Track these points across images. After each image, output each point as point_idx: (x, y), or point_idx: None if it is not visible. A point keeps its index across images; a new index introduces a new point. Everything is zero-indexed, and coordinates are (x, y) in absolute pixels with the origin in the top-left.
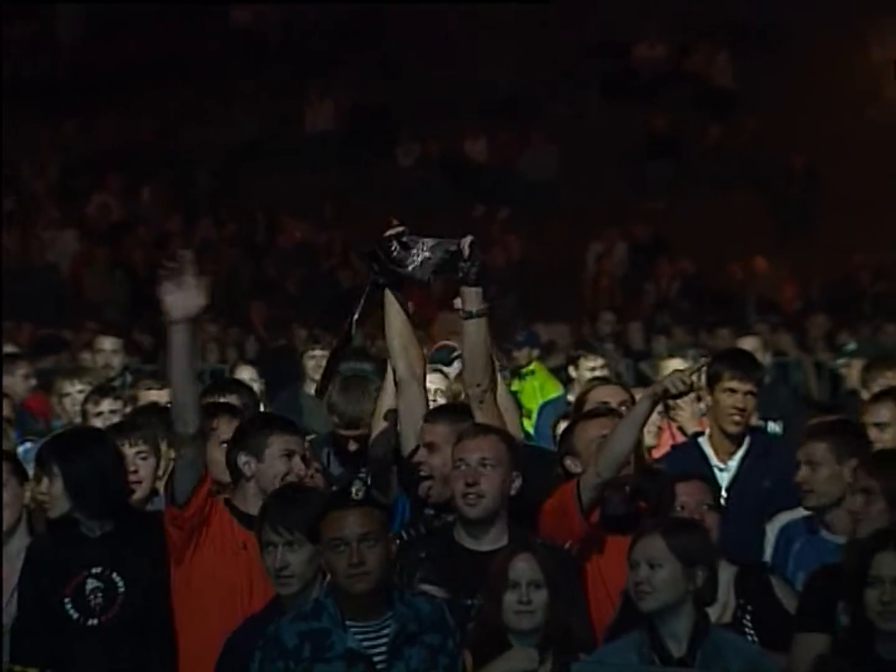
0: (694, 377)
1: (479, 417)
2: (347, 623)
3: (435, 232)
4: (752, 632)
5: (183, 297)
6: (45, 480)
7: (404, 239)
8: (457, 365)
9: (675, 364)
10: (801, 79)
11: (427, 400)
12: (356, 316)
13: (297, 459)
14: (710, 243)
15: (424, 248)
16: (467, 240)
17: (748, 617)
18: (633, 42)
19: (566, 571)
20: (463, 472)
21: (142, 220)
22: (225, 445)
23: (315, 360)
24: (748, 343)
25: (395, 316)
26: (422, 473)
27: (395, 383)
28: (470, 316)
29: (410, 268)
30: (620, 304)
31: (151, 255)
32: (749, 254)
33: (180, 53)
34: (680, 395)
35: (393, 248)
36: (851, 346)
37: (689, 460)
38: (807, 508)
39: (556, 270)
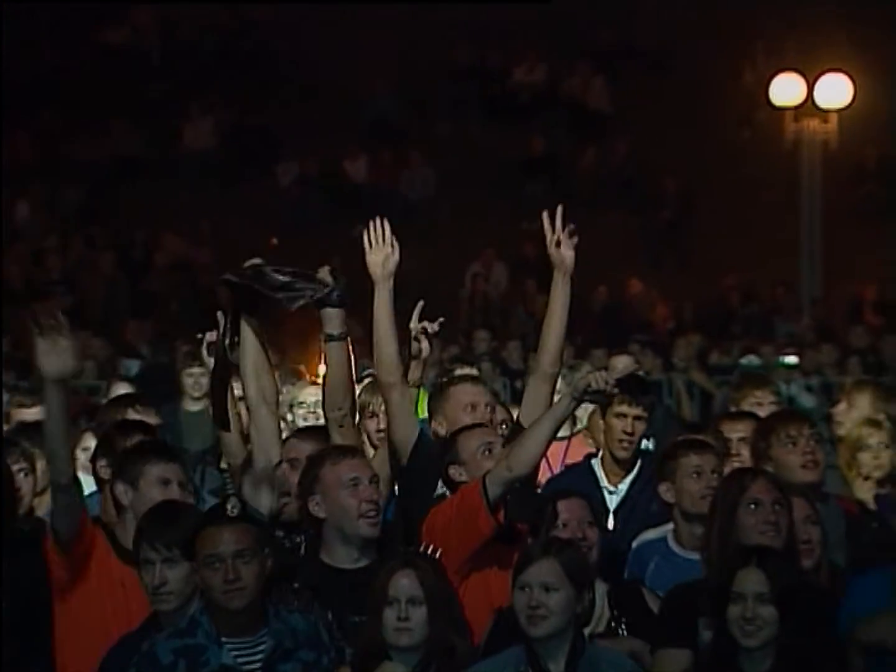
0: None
1: (339, 440)
2: (223, 639)
3: (314, 251)
4: None
5: (57, 359)
6: None
7: (263, 269)
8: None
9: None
10: (676, 102)
11: (278, 423)
12: (226, 340)
13: (173, 487)
14: (585, 264)
15: (285, 278)
16: (325, 269)
17: (623, 628)
18: (511, 65)
19: (448, 587)
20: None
21: (19, 237)
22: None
23: (193, 378)
24: (621, 362)
25: (249, 342)
26: (282, 489)
27: (247, 407)
28: (331, 338)
29: (279, 295)
30: (497, 323)
31: (29, 271)
32: (623, 275)
33: (58, 70)
34: (601, 395)
35: (253, 277)
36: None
37: (580, 482)
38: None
39: (435, 290)
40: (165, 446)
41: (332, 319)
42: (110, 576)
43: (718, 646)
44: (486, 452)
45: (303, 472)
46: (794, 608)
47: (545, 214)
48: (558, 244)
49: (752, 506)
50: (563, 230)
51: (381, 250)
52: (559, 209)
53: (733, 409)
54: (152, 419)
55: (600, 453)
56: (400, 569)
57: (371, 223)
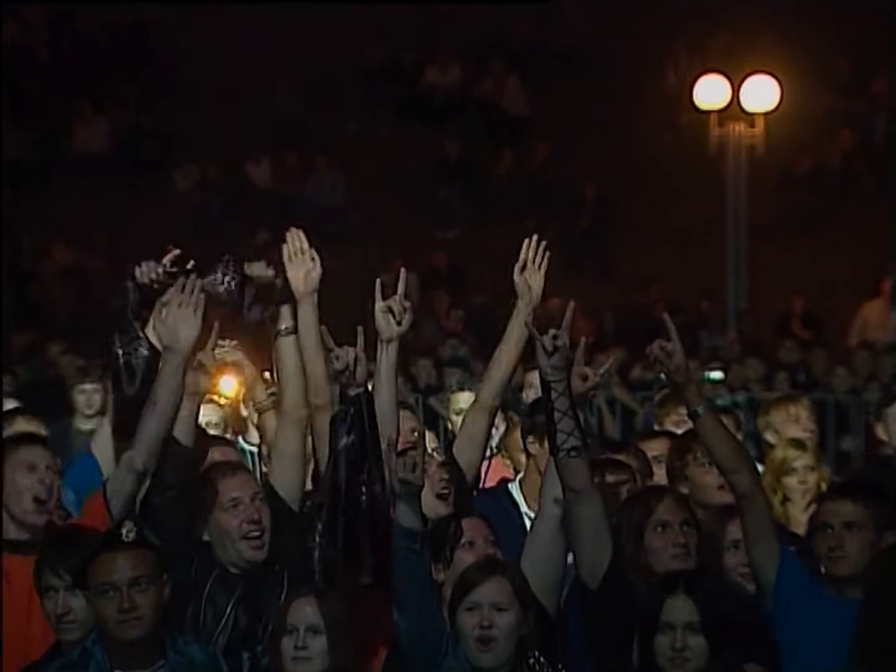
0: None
1: (295, 444)
2: None
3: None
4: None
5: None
6: None
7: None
8: None
9: (466, 398)
10: (596, 105)
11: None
12: (119, 350)
13: (40, 469)
14: (502, 274)
15: (225, 274)
16: (261, 264)
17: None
18: (424, 65)
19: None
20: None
21: None
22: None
23: (86, 395)
24: (536, 378)
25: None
26: None
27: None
28: (282, 334)
29: (222, 289)
30: (408, 337)
31: None
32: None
33: None
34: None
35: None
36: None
37: (497, 506)
38: None
39: (343, 302)
40: (31, 434)
41: (285, 314)
42: None
43: None
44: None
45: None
46: (725, 637)
47: (527, 241)
48: (523, 268)
49: (660, 528)
50: (536, 256)
51: (301, 264)
52: (534, 238)
53: (657, 427)
54: (41, 431)
55: (519, 475)
56: (301, 596)
57: (289, 235)
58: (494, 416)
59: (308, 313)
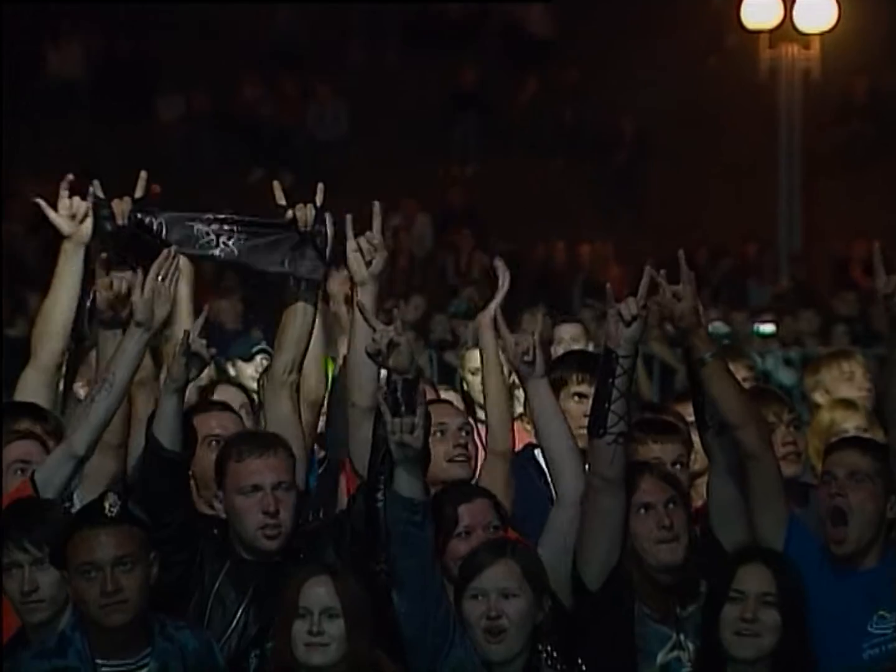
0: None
1: (287, 410)
2: (98, 661)
3: (205, 200)
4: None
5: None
6: None
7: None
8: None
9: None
10: (632, 26)
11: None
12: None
13: None
14: (525, 217)
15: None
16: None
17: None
18: None
19: (372, 597)
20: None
21: None
22: None
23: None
24: (567, 332)
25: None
26: None
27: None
28: (301, 289)
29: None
30: (420, 285)
31: None
32: (570, 231)
33: None
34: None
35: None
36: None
37: (522, 474)
38: None
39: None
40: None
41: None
42: None
43: (704, 654)
44: (439, 434)
45: (215, 463)
46: (798, 617)
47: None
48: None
49: (643, 510)
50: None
51: (369, 249)
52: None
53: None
54: None
55: None
56: (314, 575)
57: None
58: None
59: (366, 302)
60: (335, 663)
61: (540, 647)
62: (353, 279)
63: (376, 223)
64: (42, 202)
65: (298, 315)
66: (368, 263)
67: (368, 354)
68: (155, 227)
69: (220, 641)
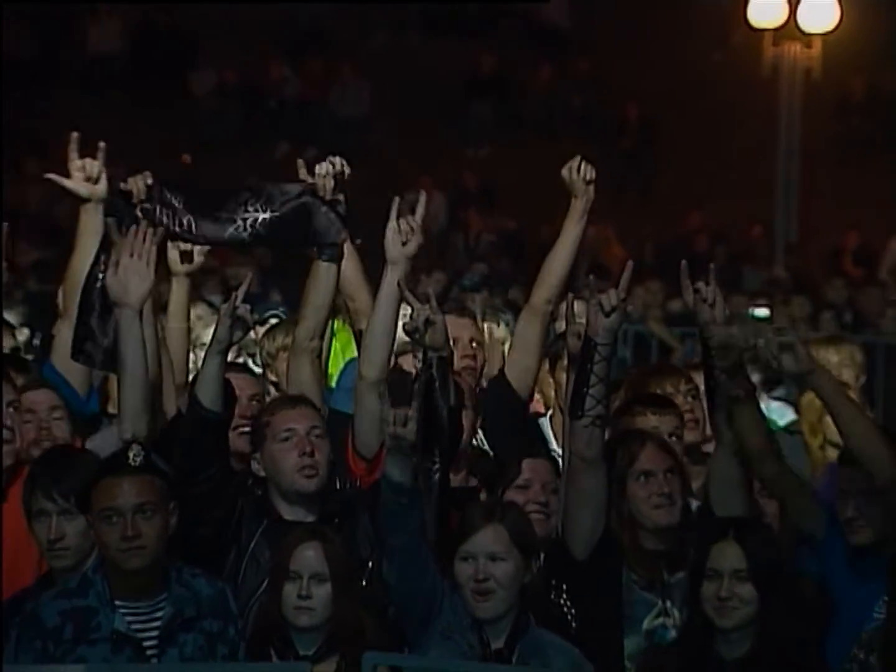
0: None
1: (310, 375)
2: (117, 603)
3: (231, 172)
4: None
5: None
6: None
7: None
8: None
9: (499, 332)
10: (642, 19)
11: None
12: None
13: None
14: (535, 196)
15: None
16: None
17: (564, 597)
18: None
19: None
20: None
21: None
22: None
23: None
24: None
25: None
26: None
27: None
28: (326, 257)
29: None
30: (434, 261)
31: None
32: None
33: None
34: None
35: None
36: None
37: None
38: None
39: (364, 223)
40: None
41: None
42: None
43: (691, 628)
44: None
45: (252, 428)
46: (773, 586)
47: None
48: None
49: (642, 478)
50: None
51: (407, 231)
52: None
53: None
54: None
55: (549, 412)
56: (305, 540)
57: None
58: (547, 322)
59: (391, 281)
60: (321, 625)
61: (556, 600)
62: (386, 256)
63: (420, 210)
64: (54, 176)
65: (321, 282)
66: (403, 244)
67: (406, 332)
68: (185, 223)
69: (253, 598)
